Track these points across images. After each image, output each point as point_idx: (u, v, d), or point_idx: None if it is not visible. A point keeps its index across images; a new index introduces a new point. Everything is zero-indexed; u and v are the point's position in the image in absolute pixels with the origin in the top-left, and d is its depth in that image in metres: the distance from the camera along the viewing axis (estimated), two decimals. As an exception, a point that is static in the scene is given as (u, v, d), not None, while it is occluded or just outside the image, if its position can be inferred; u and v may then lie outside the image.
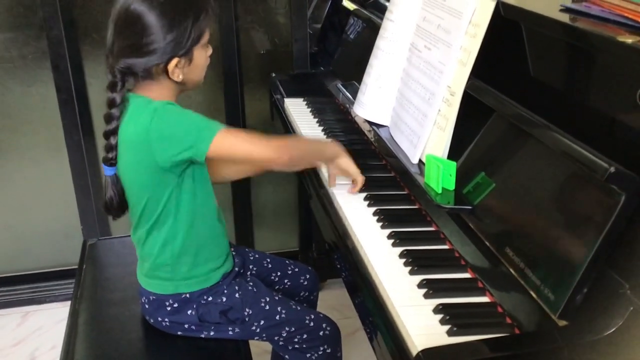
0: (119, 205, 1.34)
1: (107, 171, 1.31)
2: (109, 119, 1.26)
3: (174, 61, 1.22)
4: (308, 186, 1.55)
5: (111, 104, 1.25)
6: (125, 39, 1.21)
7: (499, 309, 1.01)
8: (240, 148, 1.25)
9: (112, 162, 1.29)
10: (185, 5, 1.22)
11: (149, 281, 1.38)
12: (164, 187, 1.27)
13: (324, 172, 1.48)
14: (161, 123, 1.21)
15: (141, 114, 1.23)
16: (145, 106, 1.23)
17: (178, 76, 1.24)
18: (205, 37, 1.26)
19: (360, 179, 1.39)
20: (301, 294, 1.60)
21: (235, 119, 2.28)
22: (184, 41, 1.21)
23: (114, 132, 1.26)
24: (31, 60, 2.11)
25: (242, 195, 2.34)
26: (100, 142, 2.18)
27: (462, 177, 1.21)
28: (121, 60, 1.22)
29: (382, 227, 1.27)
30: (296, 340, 1.41)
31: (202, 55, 1.27)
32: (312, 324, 1.41)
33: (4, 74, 2.11)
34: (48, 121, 2.17)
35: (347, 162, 1.39)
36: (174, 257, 1.33)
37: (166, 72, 1.23)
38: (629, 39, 0.91)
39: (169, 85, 1.26)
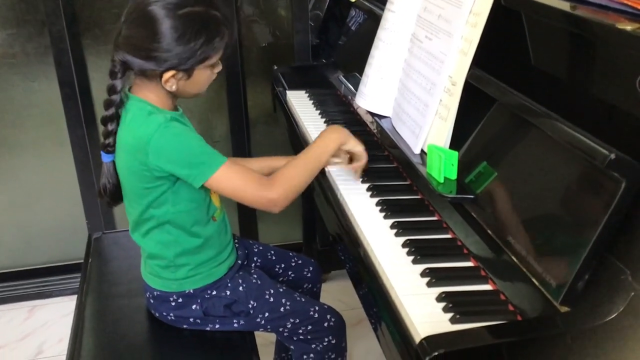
0: (112, 195, 1.34)
1: (104, 158, 1.32)
2: (108, 105, 1.26)
3: (170, 73, 1.21)
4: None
5: (111, 90, 1.25)
6: (132, 35, 1.21)
7: (502, 297, 1.01)
8: (233, 189, 1.25)
9: (109, 150, 1.30)
10: (201, 25, 1.20)
11: (153, 279, 1.39)
12: (160, 193, 1.27)
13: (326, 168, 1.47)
14: (163, 141, 1.20)
15: (142, 123, 1.23)
16: (146, 116, 1.23)
17: (171, 87, 1.23)
18: (213, 59, 1.24)
19: (365, 159, 1.38)
20: (304, 286, 1.61)
21: (238, 112, 2.28)
22: (187, 59, 1.20)
23: (111, 118, 1.27)
24: (34, 55, 2.11)
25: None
26: (104, 136, 2.20)
27: (464, 166, 1.21)
28: (121, 53, 1.22)
29: (385, 217, 1.27)
30: (301, 331, 1.42)
31: (204, 73, 1.26)
32: (316, 315, 1.42)
33: (7, 70, 2.12)
34: (51, 116, 2.18)
35: (353, 144, 1.36)
36: (175, 258, 1.34)
37: (161, 78, 1.22)
38: (629, 26, 0.91)
39: (162, 89, 1.25)
